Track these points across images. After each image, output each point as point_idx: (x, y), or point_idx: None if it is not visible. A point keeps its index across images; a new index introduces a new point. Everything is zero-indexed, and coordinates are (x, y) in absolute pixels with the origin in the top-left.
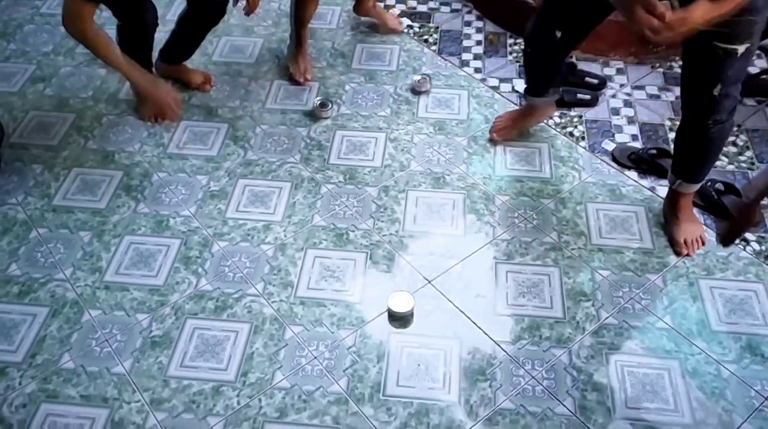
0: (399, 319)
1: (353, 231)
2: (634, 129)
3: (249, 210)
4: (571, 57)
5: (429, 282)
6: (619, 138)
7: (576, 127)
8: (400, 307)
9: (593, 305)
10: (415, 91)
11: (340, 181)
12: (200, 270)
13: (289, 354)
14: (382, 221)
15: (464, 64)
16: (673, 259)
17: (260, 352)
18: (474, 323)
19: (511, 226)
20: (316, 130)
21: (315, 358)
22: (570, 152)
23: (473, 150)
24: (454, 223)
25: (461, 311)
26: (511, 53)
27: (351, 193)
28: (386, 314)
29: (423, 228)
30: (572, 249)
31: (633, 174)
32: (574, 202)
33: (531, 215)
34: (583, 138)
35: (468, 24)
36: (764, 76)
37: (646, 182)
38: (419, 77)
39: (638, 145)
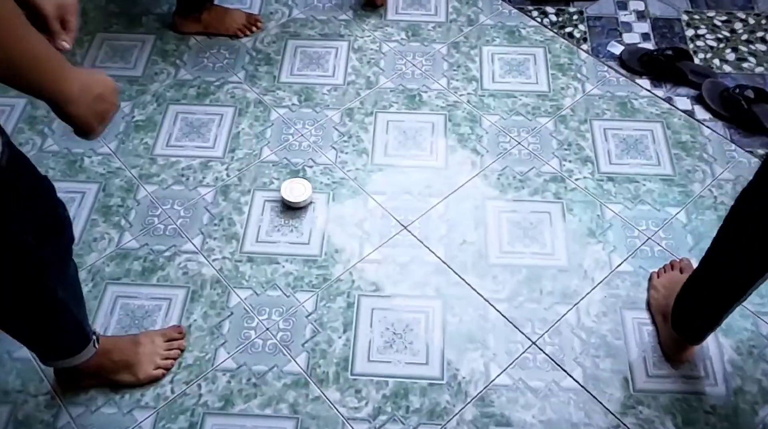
0: (295, 210)
1: (311, 166)
2: (645, 26)
3: (183, 144)
4: None
5: (405, 227)
6: (628, 38)
7: (576, 26)
8: (296, 197)
9: (604, 249)
10: None
11: (293, 104)
12: (123, 222)
13: (234, 326)
14: (346, 153)
15: None
16: (697, 187)
17: (199, 324)
18: (460, 278)
19: (503, 153)
20: (263, 40)
21: (267, 329)
22: (570, 58)
23: (454, 60)
24: (433, 153)
25: (444, 263)
26: None
27: (307, 119)
28: (337, 255)
29: (396, 160)
30: (577, 179)
31: (646, 82)
32: (577, 121)
33: (526, 139)
34: (585, 39)
35: None
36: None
37: (662, 92)
38: None
39: (650, 45)
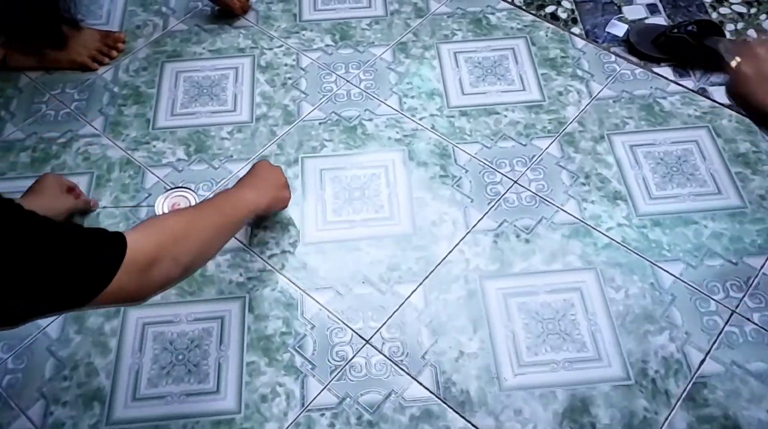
0: None
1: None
2: None
3: None
4: None
5: (366, 342)
6: (630, 13)
7: (559, 3)
8: None
9: (673, 338)
10: None
11: (179, 160)
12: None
13: None
14: (266, 228)
15: None
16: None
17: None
18: (464, 418)
19: (495, 201)
20: (128, 68)
21: None
22: (563, 48)
23: (404, 68)
24: (392, 211)
25: (436, 396)
26: None
27: (203, 181)
28: None
29: (340, 231)
30: (609, 229)
31: (667, 71)
32: (590, 139)
33: (524, 175)
34: (574, 21)
35: None
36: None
37: (691, 82)
38: None
39: (662, 20)
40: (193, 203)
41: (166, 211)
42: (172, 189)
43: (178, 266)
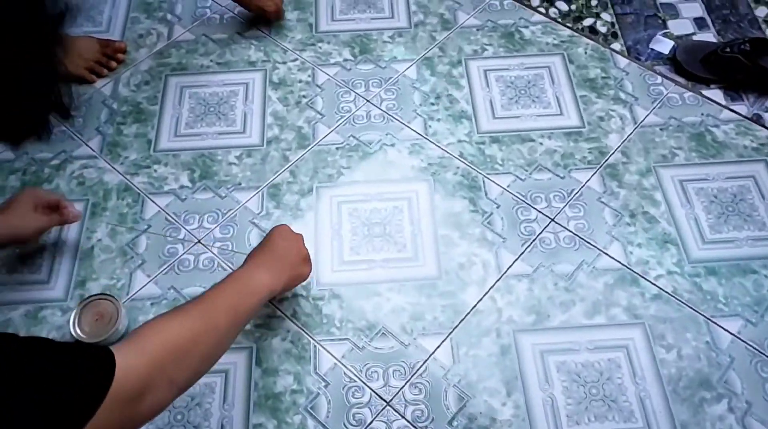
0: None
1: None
2: (697, 7)
3: None
4: None
5: (387, 403)
6: (676, 27)
7: (598, 15)
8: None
9: (732, 406)
10: None
11: (182, 187)
12: None
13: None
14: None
15: None
16: None
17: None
18: None
19: (529, 240)
20: (129, 81)
21: None
22: (603, 67)
23: (430, 86)
24: (416, 251)
25: None
26: None
27: (207, 212)
28: None
29: (357, 271)
30: (657, 277)
31: (717, 93)
32: (635, 172)
33: (562, 212)
34: (615, 36)
35: None
36: (727, 50)
37: (744, 107)
38: None
39: (711, 36)
40: (117, 315)
41: (84, 327)
42: (89, 298)
43: (174, 389)
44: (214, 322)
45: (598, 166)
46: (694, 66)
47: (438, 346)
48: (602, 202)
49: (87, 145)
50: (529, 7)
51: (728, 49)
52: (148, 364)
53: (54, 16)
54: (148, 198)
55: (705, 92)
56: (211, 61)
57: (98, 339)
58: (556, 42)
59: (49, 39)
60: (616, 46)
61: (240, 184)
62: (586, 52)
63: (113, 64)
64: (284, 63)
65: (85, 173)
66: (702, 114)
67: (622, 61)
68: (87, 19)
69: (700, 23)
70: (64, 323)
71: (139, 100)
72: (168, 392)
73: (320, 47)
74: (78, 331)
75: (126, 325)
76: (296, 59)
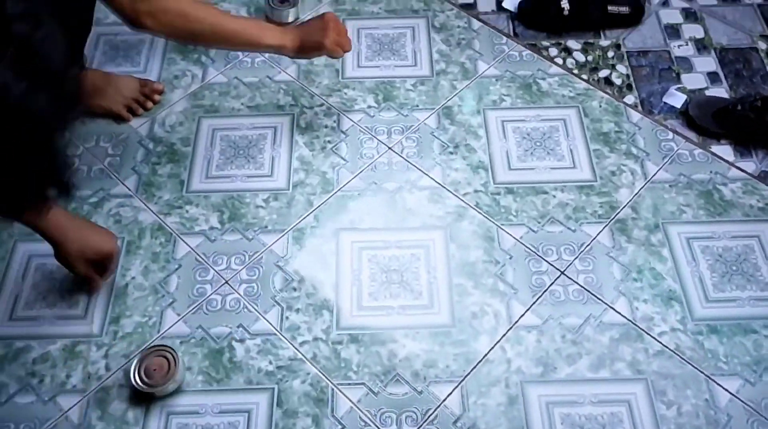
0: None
1: (240, 342)
2: (710, 61)
3: None
4: None
5: None
6: (689, 81)
7: (614, 67)
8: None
9: None
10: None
11: (211, 228)
12: None
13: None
14: (297, 310)
15: None
16: None
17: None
18: None
19: (540, 292)
20: (164, 122)
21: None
22: (617, 121)
23: (449, 135)
24: (432, 299)
25: None
26: None
27: (235, 254)
28: None
29: (375, 317)
30: (661, 333)
31: (727, 149)
32: (644, 228)
33: (572, 265)
34: (629, 87)
35: None
36: (738, 108)
37: (752, 164)
38: None
39: (723, 91)
40: (175, 366)
41: (143, 377)
42: (149, 349)
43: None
44: (222, 25)
45: (608, 221)
46: (705, 121)
47: (449, 394)
48: (611, 257)
49: (123, 183)
50: (547, 58)
51: (739, 107)
52: None
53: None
54: (180, 238)
55: (715, 147)
56: (242, 104)
57: (156, 389)
58: (572, 95)
59: (51, 128)
60: (630, 98)
61: (266, 226)
62: (600, 106)
63: (150, 104)
64: (311, 108)
65: (122, 212)
66: (711, 172)
67: (635, 116)
68: (126, 59)
69: (713, 77)
70: (100, 358)
71: (174, 141)
72: (160, 24)
73: (346, 93)
74: (138, 380)
75: (183, 376)
76: (322, 104)
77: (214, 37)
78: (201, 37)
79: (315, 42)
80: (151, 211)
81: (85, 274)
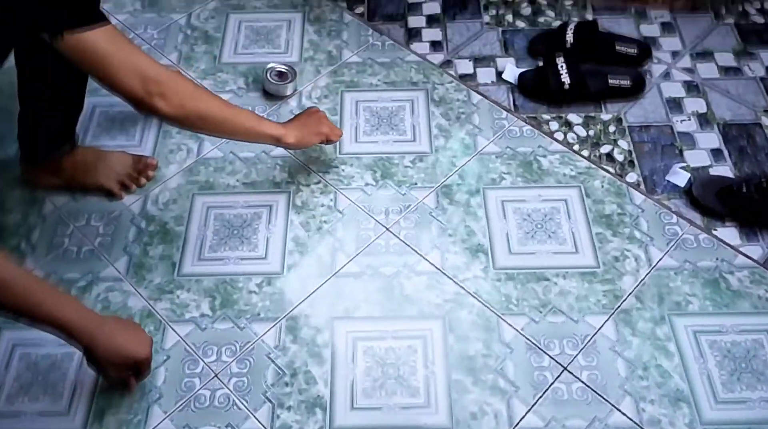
0: None
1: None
2: (713, 137)
3: None
4: (587, 7)
5: None
6: (693, 157)
7: (616, 142)
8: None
9: None
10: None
11: (202, 315)
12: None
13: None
14: (289, 409)
15: (412, 36)
16: None
17: None
18: None
19: (542, 390)
20: (157, 199)
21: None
22: (620, 204)
23: (448, 216)
24: (428, 399)
25: None
26: (487, 8)
27: (225, 344)
28: None
29: (368, 416)
30: None
31: (732, 232)
32: (649, 319)
33: (575, 361)
34: (631, 164)
35: None
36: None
37: (759, 249)
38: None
39: (728, 168)
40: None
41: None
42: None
43: (172, 108)
44: (227, 110)
45: (612, 312)
46: (709, 201)
47: None
48: (615, 352)
49: (113, 265)
50: (548, 133)
51: (744, 188)
52: (169, 76)
53: None
54: (170, 326)
55: (720, 229)
56: (237, 180)
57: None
58: (573, 173)
59: None
60: (633, 176)
61: (259, 314)
62: (602, 186)
63: (143, 180)
64: (307, 185)
65: (110, 297)
66: (717, 258)
67: (638, 197)
68: (121, 132)
69: (716, 154)
70: None
71: (166, 220)
72: (172, 106)
73: (343, 170)
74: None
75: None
76: (319, 181)
77: (220, 121)
78: (207, 121)
79: (315, 132)
80: (141, 296)
81: (116, 379)
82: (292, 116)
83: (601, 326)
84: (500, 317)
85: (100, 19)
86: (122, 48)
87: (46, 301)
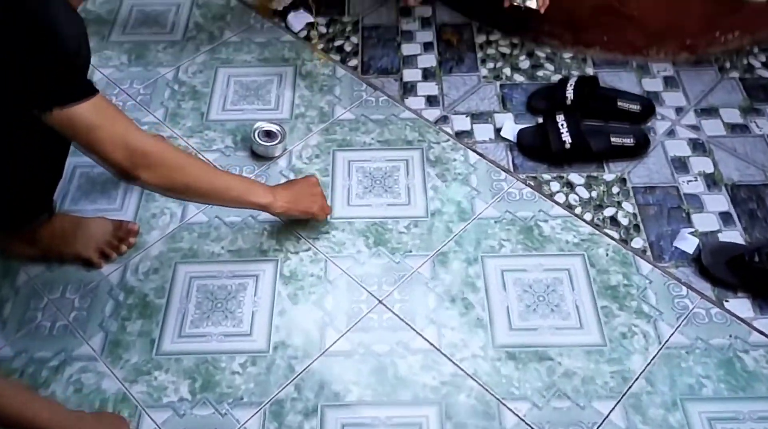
0: None
1: None
2: (721, 200)
3: None
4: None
5: None
6: (700, 222)
7: (620, 205)
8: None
9: None
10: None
11: (181, 399)
12: None
13: None
14: None
15: (407, 90)
16: None
17: None
18: None
19: None
20: (137, 269)
21: None
22: (626, 274)
23: (445, 287)
24: None
25: None
26: (484, 62)
27: (206, 426)
28: None
29: None
30: None
31: (744, 304)
32: (660, 405)
33: None
34: (637, 229)
35: (407, 14)
36: (755, 259)
37: None
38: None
39: (737, 233)
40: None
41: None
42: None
43: (158, 180)
44: (214, 180)
45: (621, 396)
46: (719, 270)
47: None
48: None
49: (88, 343)
50: (549, 195)
51: (756, 258)
52: (155, 147)
53: None
54: (145, 412)
55: (732, 301)
56: (222, 247)
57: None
58: (576, 241)
59: None
60: (638, 241)
61: (242, 398)
62: (607, 254)
63: (124, 247)
64: (296, 253)
65: (83, 378)
66: (730, 336)
67: (645, 267)
68: (103, 195)
69: (725, 218)
70: None
71: (146, 292)
72: (158, 177)
73: (334, 236)
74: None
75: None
76: (309, 249)
77: (206, 191)
78: (193, 191)
79: (304, 208)
80: (116, 377)
81: None
82: (284, 179)
83: (610, 413)
84: (501, 402)
85: (90, 91)
86: (109, 119)
87: (16, 405)
